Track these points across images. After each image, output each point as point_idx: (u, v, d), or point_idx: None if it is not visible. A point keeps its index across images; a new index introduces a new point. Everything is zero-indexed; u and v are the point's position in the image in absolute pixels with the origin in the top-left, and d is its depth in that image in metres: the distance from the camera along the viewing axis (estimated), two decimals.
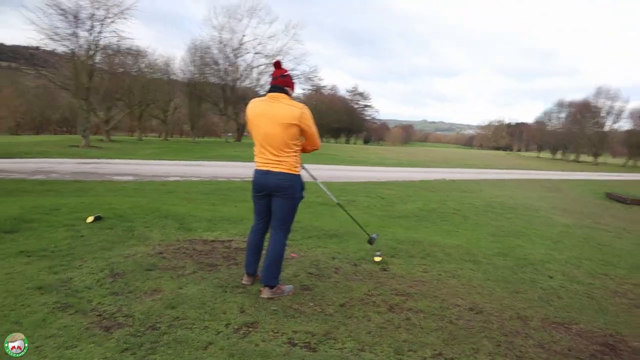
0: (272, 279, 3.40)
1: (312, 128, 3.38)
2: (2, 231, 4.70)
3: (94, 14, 27.28)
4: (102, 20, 27.87)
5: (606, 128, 61.77)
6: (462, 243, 6.03)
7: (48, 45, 27.43)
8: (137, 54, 37.35)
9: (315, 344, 2.75)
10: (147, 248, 4.52)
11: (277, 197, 3.39)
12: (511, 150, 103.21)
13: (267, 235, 3.60)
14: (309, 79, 53.74)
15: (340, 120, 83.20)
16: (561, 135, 66.23)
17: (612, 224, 9.49)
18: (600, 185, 22.07)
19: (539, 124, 75.39)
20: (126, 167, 16.03)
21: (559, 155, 70.62)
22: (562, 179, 26.16)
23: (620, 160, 69.49)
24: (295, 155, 3.37)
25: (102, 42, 29.39)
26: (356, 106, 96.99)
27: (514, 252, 5.82)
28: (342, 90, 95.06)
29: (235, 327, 2.88)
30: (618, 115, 60.95)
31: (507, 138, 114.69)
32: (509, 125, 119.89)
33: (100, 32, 28.29)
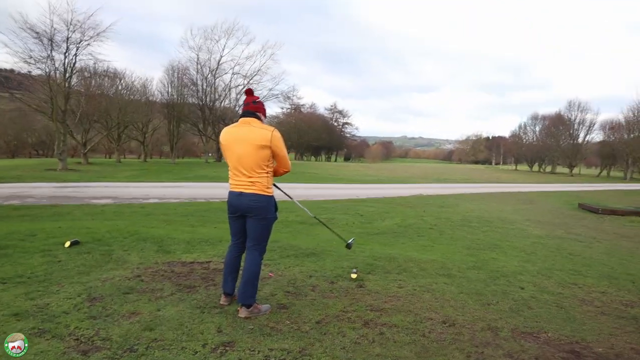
0: (248, 298, 3.46)
1: (283, 150, 3.53)
2: None
3: (69, 37, 27.20)
4: (78, 43, 27.85)
5: (579, 140, 63.37)
6: (437, 258, 6.17)
7: (22, 68, 27.23)
8: (114, 75, 37.31)
9: None
10: (125, 271, 4.55)
11: (250, 217, 3.51)
12: (490, 163, 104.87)
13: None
14: (288, 97, 54.24)
15: (320, 138, 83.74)
16: (537, 148, 67.78)
17: (584, 233, 9.76)
18: (574, 196, 22.61)
19: (515, 137, 76.99)
20: (105, 190, 15.90)
21: (536, 168, 72.09)
22: (537, 191, 26.74)
23: (594, 171, 71.30)
24: (267, 177, 3.49)
25: (78, 65, 29.32)
26: (336, 124, 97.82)
27: (488, 265, 5.97)
28: (321, 108, 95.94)
29: (213, 346, 2.93)
30: (590, 127, 62.69)
31: (486, 152, 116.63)
32: (487, 139, 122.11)
33: (76, 55, 28.23)
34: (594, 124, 62.61)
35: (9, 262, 4.65)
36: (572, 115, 63.02)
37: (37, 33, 25.82)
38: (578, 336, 3.59)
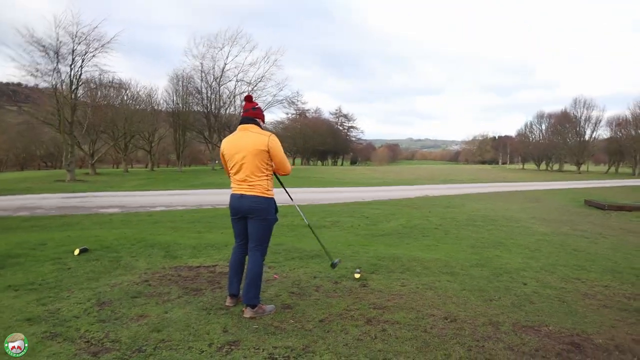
0: (252, 299, 3.56)
1: (280, 154, 3.65)
2: None
3: (74, 49, 27.55)
4: (84, 55, 28.20)
5: (586, 137, 63.02)
6: (441, 256, 6.23)
7: (30, 81, 27.60)
8: (119, 86, 37.68)
9: (294, 357, 2.89)
10: (133, 277, 4.65)
11: (251, 219, 3.62)
12: (497, 163, 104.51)
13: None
14: (292, 103, 54.35)
15: (326, 143, 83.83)
16: (543, 146, 67.46)
17: (590, 230, 9.76)
18: (581, 193, 22.54)
19: (521, 136, 76.68)
20: (112, 200, 16.08)
21: (543, 166, 71.74)
22: (544, 189, 26.66)
23: (602, 168, 70.80)
24: (267, 179, 3.62)
25: (84, 76, 29.68)
26: (341, 128, 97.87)
27: (491, 262, 6.02)
28: (326, 113, 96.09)
29: (218, 345, 3.02)
30: (596, 124, 62.32)
31: (492, 152, 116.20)
32: (493, 139, 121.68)
33: (81, 67, 28.59)
34: (601, 121, 62.33)
35: (21, 270, 4.78)
36: (578, 113, 62.74)
37: (43, 46, 26.22)
38: (579, 328, 3.63)
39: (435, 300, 4.19)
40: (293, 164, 45.84)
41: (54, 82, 27.50)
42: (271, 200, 3.66)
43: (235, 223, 3.77)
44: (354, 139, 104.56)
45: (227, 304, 3.81)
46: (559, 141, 64.20)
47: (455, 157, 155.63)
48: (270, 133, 3.62)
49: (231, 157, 3.62)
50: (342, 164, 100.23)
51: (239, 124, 3.70)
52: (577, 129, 62.68)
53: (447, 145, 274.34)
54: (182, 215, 11.56)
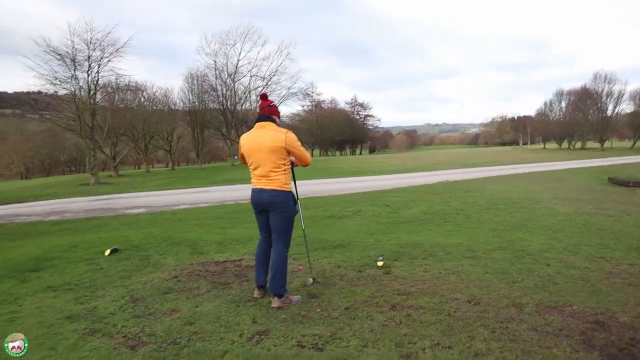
0: (278, 288, 3.70)
1: (299, 148, 3.80)
2: (27, 270, 5.07)
3: (90, 55, 28.07)
4: (99, 60, 28.74)
5: (608, 112, 61.48)
6: (463, 241, 6.26)
7: (49, 89, 28.26)
8: (135, 88, 38.24)
9: (322, 344, 3.00)
10: (163, 274, 4.83)
11: (272, 212, 3.77)
12: (517, 144, 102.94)
13: None
14: (307, 94, 54.37)
15: (343, 133, 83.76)
16: (564, 124, 66.13)
17: (614, 208, 9.62)
18: (605, 170, 22.13)
19: (541, 115, 75.25)
20: (137, 200, 16.43)
21: (565, 145, 70.41)
22: (566, 168, 26.24)
23: (627, 144, 69.10)
24: (284, 174, 3.77)
25: (101, 81, 30.25)
26: (357, 117, 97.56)
27: (514, 245, 6.03)
28: (342, 103, 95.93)
29: (249, 336, 3.15)
30: (619, 99, 60.70)
31: (512, 133, 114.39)
32: (512, 120, 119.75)
33: (98, 72, 29.15)
34: (623, 95, 60.62)
35: (57, 272, 5.01)
36: (598, 88, 61.18)
37: (60, 55, 26.81)
38: (603, 307, 3.65)
39: (459, 284, 4.25)
40: (311, 155, 45.94)
41: (72, 89, 28.20)
42: (289, 194, 3.80)
43: (259, 216, 3.94)
44: (371, 127, 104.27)
45: (255, 295, 3.94)
46: (580, 118, 62.84)
47: (474, 140, 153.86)
48: (286, 130, 3.77)
49: (250, 154, 3.77)
50: (360, 153, 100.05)
51: (256, 122, 3.84)
52: (599, 104, 61.16)
53: (466, 128, 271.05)
54: (205, 212, 11.78)
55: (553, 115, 71.49)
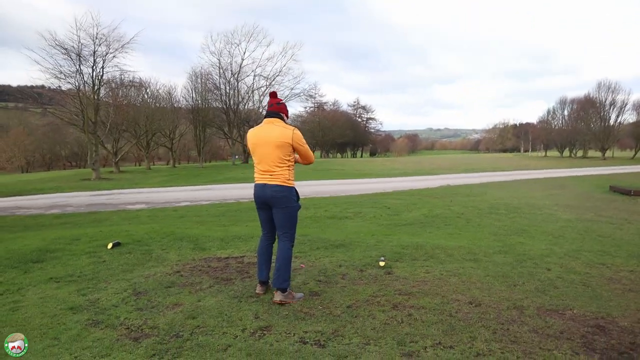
0: (282, 282, 3.73)
1: (304, 146, 3.87)
2: (30, 261, 5.09)
3: (95, 51, 28.12)
4: (104, 56, 28.78)
5: (611, 122, 61.50)
6: (464, 244, 6.27)
7: (54, 83, 28.30)
8: (139, 85, 38.32)
9: (324, 341, 3.02)
10: (165, 268, 4.85)
11: (275, 208, 3.81)
12: (518, 151, 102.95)
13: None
14: (310, 96, 54.47)
15: (345, 135, 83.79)
16: (566, 132, 66.13)
17: (615, 215, 9.64)
18: (606, 179, 22.14)
19: (544, 123, 75.27)
20: (138, 196, 16.45)
21: (566, 153, 70.41)
22: (567, 175, 26.26)
23: (629, 153, 69.10)
24: (288, 170, 3.81)
25: (105, 77, 30.29)
26: (359, 120, 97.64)
27: (515, 249, 6.04)
28: (344, 105, 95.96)
29: (251, 331, 3.16)
30: (622, 108, 60.73)
31: (514, 139, 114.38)
32: (514, 127, 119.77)
33: (103, 67, 29.17)
34: (626, 105, 60.67)
35: (60, 264, 5.03)
36: (602, 97, 61.20)
37: (65, 49, 26.86)
38: (604, 312, 3.66)
39: (460, 286, 4.27)
40: None
41: (77, 84, 28.19)
42: (292, 189, 3.84)
43: (260, 212, 3.97)
44: (372, 130, 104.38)
45: (257, 291, 3.96)
46: (582, 127, 62.85)
47: (475, 146, 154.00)
48: (293, 127, 3.82)
49: (256, 148, 3.82)
50: (361, 156, 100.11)
51: (265, 117, 3.90)
52: (602, 113, 61.21)
53: (467, 134, 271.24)
54: (207, 209, 11.80)
55: (555, 123, 71.51)
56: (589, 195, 14.98)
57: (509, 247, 6.19)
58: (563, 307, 3.75)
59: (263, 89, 46.31)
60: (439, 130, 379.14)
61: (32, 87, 33.30)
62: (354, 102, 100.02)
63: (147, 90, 41.31)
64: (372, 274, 4.65)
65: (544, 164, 47.25)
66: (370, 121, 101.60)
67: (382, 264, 4.93)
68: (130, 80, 35.58)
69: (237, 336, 3.07)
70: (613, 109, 60.78)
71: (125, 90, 37.14)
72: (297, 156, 3.94)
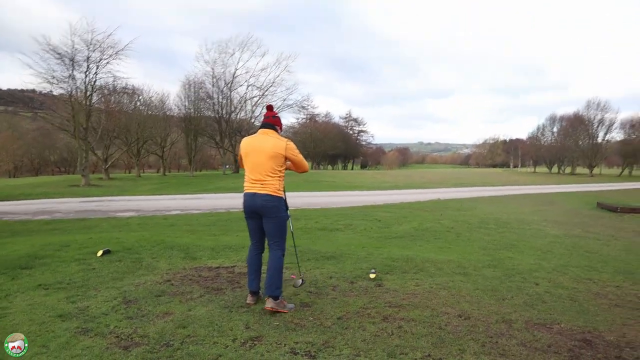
0: (274, 290, 3.75)
1: (298, 156, 3.97)
2: (18, 267, 5.04)
3: (89, 56, 28.02)
4: (98, 62, 28.65)
5: (599, 139, 62.44)
6: (454, 258, 6.32)
7: (46, 88, 28.09)
8: (132, 92, 38.18)
9: (315, 352, 3.03)
10: (155, 277, 4.83)
11: (265, 217, 3.85)
12: (508, 167, 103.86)
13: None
14: (303, 107, 54.65)
15: (336, 147, 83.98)
16: (555, 149, 66.95)
17: (602, 232, 9.77)
18: (594, 196, 22.41)
19: (533, 139, 76.16)
20: (128, 204, 16.35)
21: (555, 169, 71.18)
22: (556, 192, 26.54)
23: (616, 171, 70.04)
24: (279, 180, 3.88)
25: (98, 83, 30.12)
26: (351, 132, 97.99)
27: (504, 263, 6.11)
28: (336, 117, 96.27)
29: (242, 341, 3.16)
30: (610, 126, 61.74)
31: (503, 155, 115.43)
32: (504, 142, 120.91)
33: (96, 73, 29.03)
34: (614, 123, 61.71)
35: (49, 271, 4.98)
36: (591, 115, 62.19)
37: (59, 54, 26.72)
38: (590, 326, 3.72)
39: (449, 299, 4.30)
40: None
41: (69, 89, 28.02)
42: (282, 199, 3.90)
43: (250, 222, 4.00)
44: (364, 143, 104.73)
45: (248, 301, 3.97)
46: (571, 144, 63.69)
47: (465, 161, 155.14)
48: (287, 139, 3.92)
49: (248, 156, 3.88)
50: (352, 168, 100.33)
51: (260, 128, 3.99)
52: (590, 131, 62.14)
53: (458, 148, 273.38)
54: (197, 218, 11.76)
55: (545, 139, 72.40)
56: (577, 211, 15.15)
57: (498, 261, 6.25)
58: (551, 321, 3.80)
59: (256, 99, 46.44)
60: (429, 144, 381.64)
61: (22, 90, 33.05)
62: (346, 114, 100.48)
63: (140, 98, 41.21)
64: (362, 285, 4.67)
65: (533, 179, 47.74)
66: (362, 134, 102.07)
67: (372, 276, 4.96)
68: (123, 87, 35.46)
69: (227, 346, 3.07)
70: (601, 126, 61.78)
71: (117, 96, 36.99)
72: (289, 163, 4.01)
